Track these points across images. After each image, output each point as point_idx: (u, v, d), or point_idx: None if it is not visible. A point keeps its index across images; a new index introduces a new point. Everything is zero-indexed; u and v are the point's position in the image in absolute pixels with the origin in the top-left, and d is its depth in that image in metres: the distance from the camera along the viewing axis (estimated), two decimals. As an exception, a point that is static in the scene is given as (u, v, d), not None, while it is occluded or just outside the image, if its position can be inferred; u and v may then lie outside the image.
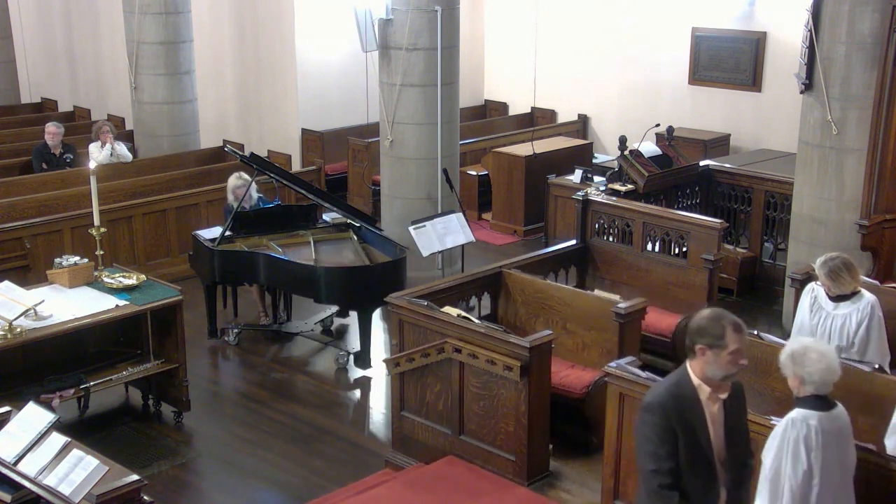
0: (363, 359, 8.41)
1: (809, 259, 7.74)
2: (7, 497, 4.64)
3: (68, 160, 11.45)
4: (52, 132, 11.43)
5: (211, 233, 8.90)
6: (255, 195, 9.15)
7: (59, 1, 16.19)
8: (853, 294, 6.15)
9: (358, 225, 9.08)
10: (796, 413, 4.36)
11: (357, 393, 8.21)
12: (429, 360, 6.52)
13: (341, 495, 6.45)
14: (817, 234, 8.29)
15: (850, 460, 4.45)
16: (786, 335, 6.91)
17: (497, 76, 15.53)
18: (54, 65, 16.53)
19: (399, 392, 6.80)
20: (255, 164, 8.85)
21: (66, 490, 4.45)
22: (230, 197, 9.09)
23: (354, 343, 8.69)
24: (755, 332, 6.32)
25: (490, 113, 15.59)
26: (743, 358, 4.02)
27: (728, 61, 12.89)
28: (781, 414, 5.47)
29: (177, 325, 7.35)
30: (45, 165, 11.34)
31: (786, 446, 4.32)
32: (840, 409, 4.42)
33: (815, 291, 6.31)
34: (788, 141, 10.74)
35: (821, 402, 4.33)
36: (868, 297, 6.15)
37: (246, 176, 9.02)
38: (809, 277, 7.04)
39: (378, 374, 8.28)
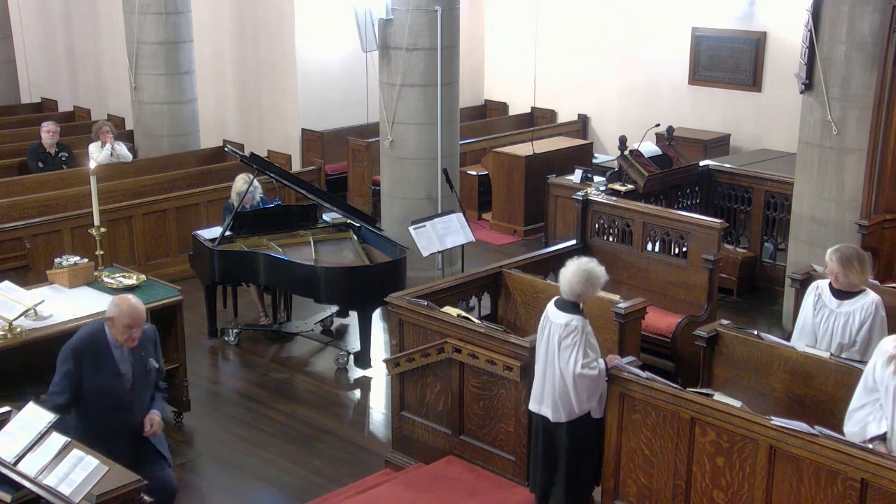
0: (363, 359, 8.41)
1: (809, 259, 7.75)
2: (7, 497, 4.63)
3: (63, 158, 11.47)
4: (51, 130, 11.44)
5: (211, 233, 8.90)
6: (258, 196, 9.15)
7: (59, 1, 16.20)
8: (858, 292, 6.12)
9: (358, 225, 9.08)
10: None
11: (357, 393, 8.21)
12: (429, 360, 6.52)
13: (341, 495, 6.45)
14: (817, 234, 8.29)
15: None
16: (786, 335, 6.91)
17: (497, 76, 15.53)
18: (54, 65, 16.53)
19: (399, 392, 6.80)
20: (255, 164, 8.85)
21: (66, 490, 4.45)
22: (234, 196, 9.08)
23: (354, 343, 8.69)
24: (755, 332, 6.33)
25: (490, 113, 15.60)
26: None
27: (728, 61, 12.89)
28: (782, 414, 5.49)
29: (177, 325, 7.35)
30: (41, 164, 11.35)
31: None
32: None
33: (819, 289, 6.28)
34: (788, 141, 10.75)
35: None
36: (872, 296, 6.12)
37: (251, 177, 8.99)
38: (810, 277, 7.04)
39: (378, 374, 8.28)
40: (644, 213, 8.64)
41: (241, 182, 9.02)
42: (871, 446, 4.99)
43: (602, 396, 5.70)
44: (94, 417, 5.41)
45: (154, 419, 5.60)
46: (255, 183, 8.96)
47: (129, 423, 5.52)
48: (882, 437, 5.11)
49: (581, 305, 5.67)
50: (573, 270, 5.63)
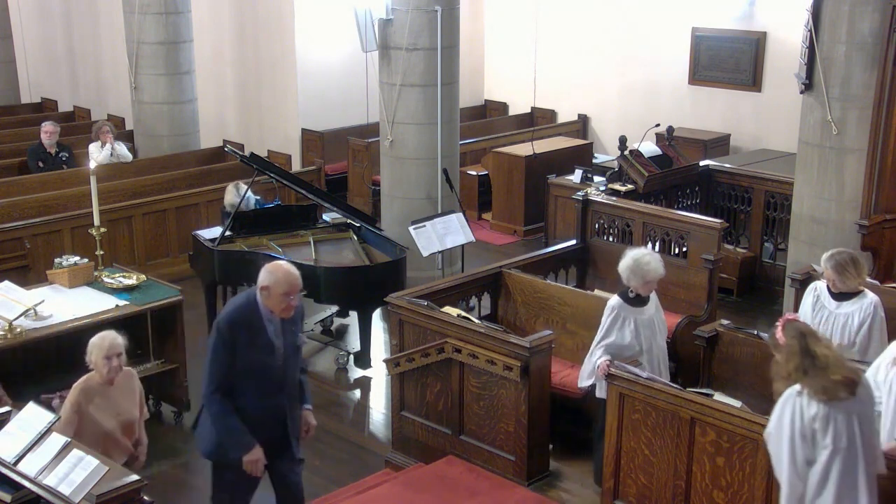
0: (363, 359, 8.41)
1: (809, 259, 7.74)
2: (7, 497, 4.63)
3: (63, 159, 11.48)
4: (50, 131, 11.44)
5: (211, 233, 8.90)
6: (252, 200, 9.11)
7: (59, 1, 16.19)
8: (856, 293, 6.13)
9: (358, 225, 9.08)
10: None
11: (357, 393, 8.21)
12: (429, 360, 6.52)
13: (341, 495, 6.45)
14: (817, 234, 8.29)
15: None
16: (786, 335, 6.90)
17: (497, 76, 15.53)
18: (54, 65, 16.53)
19: (399, 392, 6.81)
20: (255, 164, 8.85)
21: (66, 490, 4.45)
22: (227, 207, 9.05)
23: (354, 343, 8.69)
24: (755, 332, 6.33)
25: (490, 113, 15.60)
26: None
27: (728, 61, 12.89)
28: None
29: (177, 325, 7.35)
30: (41, 164, 11.35)
31: None
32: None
33: (817, 290, 6.29)
34: (788, 141, 10.75)
35: None
36: (871, 296, 6.13)
37: (243, 187, 8.96)
38: (810, 277, 7.04)
39: (378, 374, 8.28)
40: (644, 213, 8.63)
41: (231, 194, 8.98)
42: None
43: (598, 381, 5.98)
44: (242, 401, 5.03)
45: (310, 421, 5.31)
46: (248, 192, 8.92)
47: (279, 406, 5.12)
48: None
49: (631, 293, 5.97)
50: (625, 260, 5.92)
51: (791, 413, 4.42)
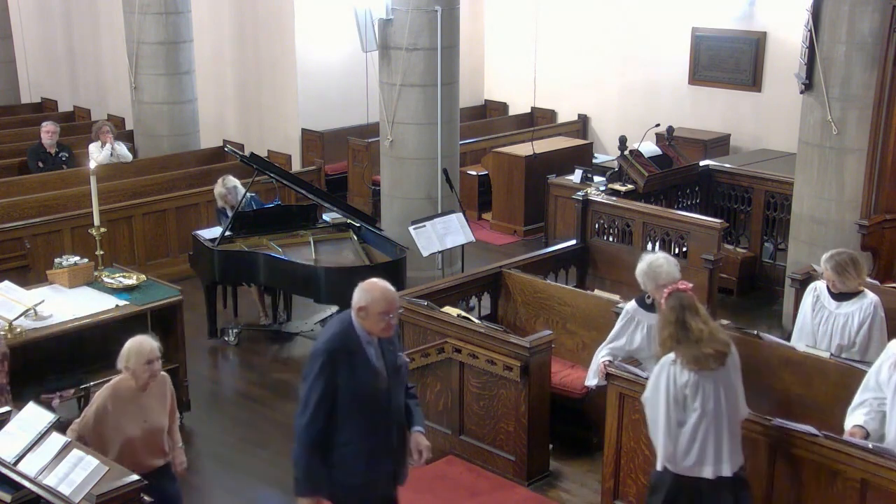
0: (363, 359, 8.39)
1: (809, 259, 7.74)
2: (7, 497, 4.63)
3: (63, 159, 11.47)
4: (51, 130, 11.44)
5: (211, 233, 8.90)
6: (240, 195, 9.05)
7: (59, 1, 16.19)
8: (856, 293, 6.13)
9: (358, 225, 9.08)
10: None
11: (357, 393, 8.20)
12: (429, 360, 6.53)
13: (341, 495, 6.44)
14: (817, 234, 8.29)
15: None
16: (786, 335, 6.91)
17: (497, 76, 15.53)
18: (54, 65, 16.53)
19: (399, 392, 6.80)
20: (255, 164, 8.85)
21: (66, 490, 4.45)
22: (220, 202, 9.06)
23: (354, 343, 8.67)
24: (755, 332, 6.33)
25: (490, 113, 15.59)
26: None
27: (728, 61, 12.89)
28: (782, 414, 5.48)
29: (177, 325, 7.35)
30: (41, 164, 11.35)
31: None
32: None
33: (817, 290, 6.30)
34: (788, 141, 10.74)
35: None
36: (871, 297, 6.14)
37: (231, 181, 8.96)
38: (810, 277, 7.04)
39: (378, 374, 8.26)
40: (644, 213, 8.64)
41: (218, 186, 9.00)
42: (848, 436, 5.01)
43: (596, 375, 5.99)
44: (347, 434, 4.66)
45: (422, 443, 4.82)
46: (232, 182, 8.92)
47: (387, 434, 4.74)
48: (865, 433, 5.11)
49: (648, 299, 5.91)
50: (640, 263, 5.86)
51: (666, 380, 4.82)
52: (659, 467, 4.94)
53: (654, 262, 5.84)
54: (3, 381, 5.75)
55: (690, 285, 4.99)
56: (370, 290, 4.63)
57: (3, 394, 5.70)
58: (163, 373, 5.49)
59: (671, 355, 4.82)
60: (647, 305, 5.97)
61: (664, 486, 4.95)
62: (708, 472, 4.83)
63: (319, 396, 4.58)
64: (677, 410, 4.82)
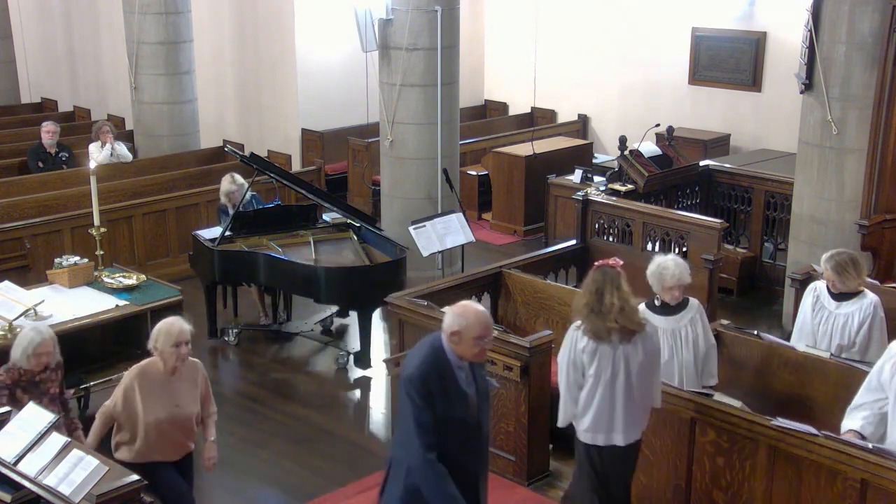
0: (363, 359, 8.40)
1: (809, 259, 7.74)
2: (7, 497, 4.64)
3: (63, 159, 11.47)
4: (51, 130, 11.43)
5: (211, 233, 8.90)
6: (247, 194, 9.08)
7: (59, 1, 16.19)
8: (856, 293, 6.14)
9: (358, 225, 9.08)
10: None
11: (357, 393, 8.21)
12: (429, 360, 6.51)
13: (341, 495, 6.45)
14: (817, 234, 8.29)
15: None
16: (786, 335, 6.91)
17: (497, 76, 15.53)
18: (54, 65, 16.52)
19: (399, 392, 6.79)
20: (255, 164, 8.85)
21: (66, 490, 4.45)
22: (223, 198, 9.07)
23: (354, 343, 8.69)
24: (755, 332, 6.33)
25: (490, 113, 15.59)
26: None
27: (728, 61, 12.89)
28: (782, 414, 5.49)
29: (177, 325, 7.34)
30: (41, 164, 11.35)
31: None
32: None
33: (817, 290, 6.30)
34: (788, 141, 10.74)
35: None
36: (871, 296, 6.14)
37: (240, 179, 8.98)
38: (810, 277, 7.04)
39: (378, 374, 8.28)
40: (644, 213, 8.64)
41: (226, 183, 9.00)
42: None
43: None
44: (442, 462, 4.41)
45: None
46: (241, 181, 8.93)
47: (472, 465, 4.61)
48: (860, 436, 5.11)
49: (657, 301, 5.92)
50: (651, 265, 5.90)
51: (569, 343, 5.16)
52: (560, 424, 5.31)
53: (661, 263, 5.85)
54: (56, 390, 5.73)
55: (621, 262, 5.20)
56: (464, 315, 4.45)
57: (55, 403, 5.66)
58: (195, 359, 5.41)
59: (578, 321, 5.13)
60: (656, 308, 5.93)
61: (579, 450, 5.30)
62: (600, 440, 5.14)
63: (428, 421, 4.35)
64: (576, 373, 5.13)
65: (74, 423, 5.82)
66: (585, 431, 5.17)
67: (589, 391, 5.09)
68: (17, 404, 5.32)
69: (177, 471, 5.44)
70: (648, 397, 5.20)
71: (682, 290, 5.89)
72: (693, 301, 6.00)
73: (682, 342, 5.91)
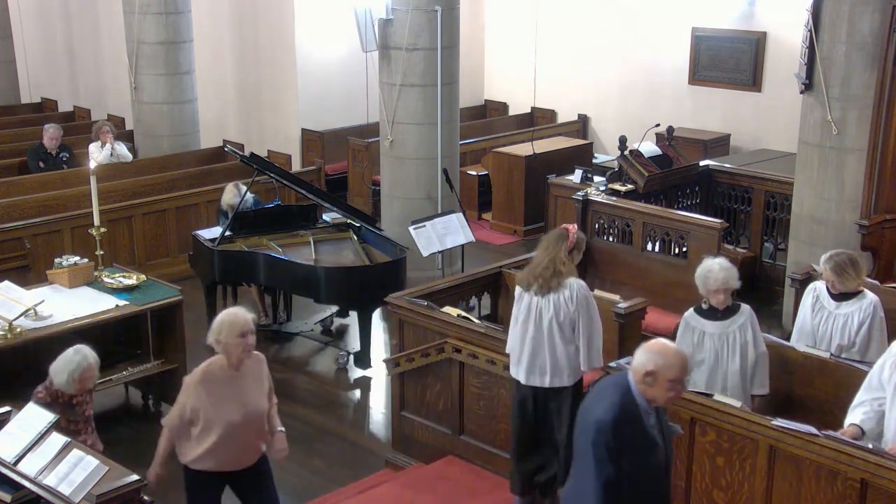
0: (363, 359, 8.41)
1: (809, 259, 7.74)
2: (7, 497, 4.64)
3: (64, 159, 11.46)
4: (55, 136, 11.41)
5: (211, 233, 8.90)
6: (250, 200, 9.10)
7: (59, 1, 16.19)
8: (856, 293, 6.13)
9: (358, 225, 9.08)
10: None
11: (357, 393, 8.21)
12: (429, 360, 6.52)
13: (341, 495, 6.45)
14: (817, 234, 8.29)
15: None
16: (786, 335, 6.90)
17: (497, 76, 15.53)
18: (54, 65, 16.53)
19: (399, 392, 6.81)
20: (255, 164, 8.85)
21: (66, 490, 4.45)
22: (226, 207, 9.05)
23: (354, 343, 8.69)
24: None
25: (490, 113, 15.59)
26: None
27: (728, 61, 12.89)
28: (782, 414, 5.49)
29: (177, 325, 7.36)
30: (41, 164, 11.34)
31: None
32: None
33: (816, 290, 6.29)
34: (788, 141, 10.74)
35: None
36: (871, 297, 6.13)
37: (244, 189, 8.96)
38: (810, 277, 7.04)
39: (378, 374, 8.28)
40: (644, 213, 8.64)
41: (230, 195, 8.98)
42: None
43: None
44: None
45: None
46: (245, 190, 8.92)
47: None
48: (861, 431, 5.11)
49: (704, 305, 5.89)
50: (699, 268, 5.89)
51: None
52: (507, 350, 5.84)
53: (707, 265, 5.83)
54: (90, 412, 5.67)
55: (575, 227, 5.81)
56: (663, 353, 4.02)
57: (89, 423, 5.63)
58: (257, 353, 5.08)
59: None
60: (703, 312, 5.85)
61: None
62: (518, 375, 5.72)
63: (614, 479, 3.94)
64: (515, 310, 5.77)
65: (98, 446, 5.73)
66: (513, 368, 5.76)
67: (511, 331, 5.76)
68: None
69: (253, 472, 5.13)
70: (567, 343, 5.61)
71: (727, 295, 5.79)
72: (745, 307, 5.88)
73: (729, 348, 5.77)
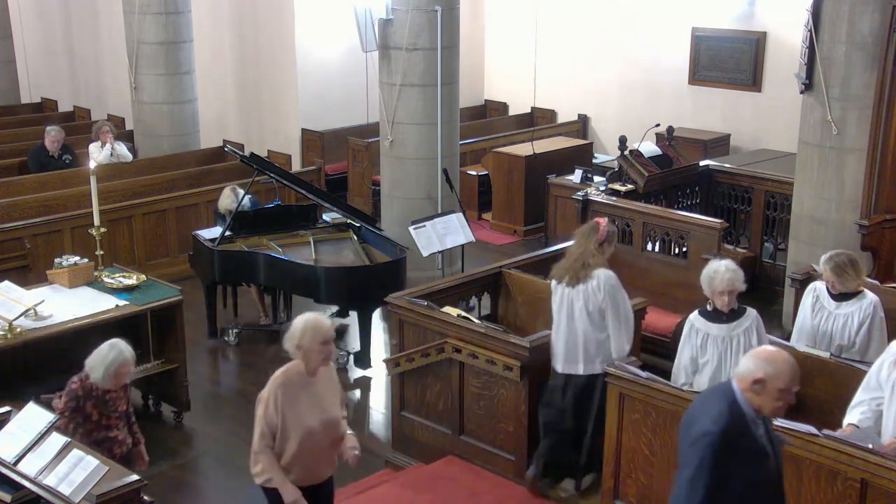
0: (363, 359, 8.41)
1: (809, 259, 7.74)
2: (7, 497, 4.64)
3: (67, 161, 11.44)
4: (56, 139, 11.39)
5: (211, 233, 8.90)
6: (247, 203, 9.08)
7: (59, 1, 16.19)
8: (856, 293, 6.13)
9: (358, 225, 9.08)
10: None
11: (357, 393, 8.21)
12: (429, 360, 6.52)
13: (341, 495, 6.45)
14: (817, 234, 8.29)
15: None
16: (786, 335, 6.90)
17: (497, 76, 15.53)
18: (54, 65, 16.53)
19: (399, 392, 6.81)
20: (255, 164, 8.85)
21: (66, 490, 4.45)
22: (223, 212, 9.05)
23: (354, 343, 8.69)
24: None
25: (490, 113, 15.60)
26: None
27: (728, 61, 12.89)
28: (783, 416, 5.49)
29: (177, 325, 7.35)
30: (45, 167, 11.32)
31: None
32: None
33: (816, 290, 6.29)
34: (788, 141, 10.74)
35: None
36: (870, 297, 6.13)
37: (241, 193, 8.96)
38: (810, 277, 7.04)
39: (378, 374, 8.28)
40: (644, 213, 8.63)
41: (227, 199, 8.97)
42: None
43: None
44: None
45: None
46: (241, 194, 8.90)
47: None
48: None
49: (709, 306, 5.86)
50: (705, 269, 5.90)
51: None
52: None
53: (714, 267, 5.79)
54: (124, 407, 5.57)
55: (605, 220, 6.09)
56: (773, 361, 3.87)
57: (123, 419, 5.58)
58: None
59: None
60: (708, 313, 5.81)
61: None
62: (555, 363, 6.02)
63: (709, 491, 3.82)
64: (552, 302, 6.09)
65: (138, 437, 5.70)
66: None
67: (555, 318, 6.05)
68: (85, 417, 5.28)
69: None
70: (592, 333, 5.89)
71: (732, 297, 5.74)
72: (751, 310, 5.84)
73: (732, 352, 5.71)
